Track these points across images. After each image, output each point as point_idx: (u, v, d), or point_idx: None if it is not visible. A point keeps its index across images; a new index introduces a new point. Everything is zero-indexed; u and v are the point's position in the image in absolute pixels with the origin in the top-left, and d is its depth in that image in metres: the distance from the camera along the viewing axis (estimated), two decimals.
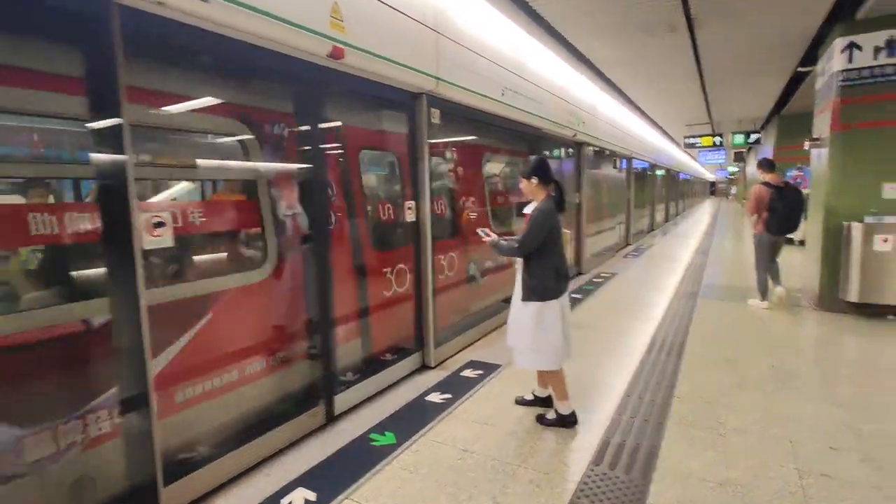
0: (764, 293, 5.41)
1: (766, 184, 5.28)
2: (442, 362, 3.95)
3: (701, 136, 12.35)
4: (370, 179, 3.77)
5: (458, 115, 4.17)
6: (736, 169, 34.34)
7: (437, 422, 2.91)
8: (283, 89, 2.81)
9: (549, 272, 2.74)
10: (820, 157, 5.51)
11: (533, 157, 2.84)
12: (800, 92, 7.84)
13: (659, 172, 17.14)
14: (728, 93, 8.69)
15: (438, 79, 3.53)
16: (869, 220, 4.78)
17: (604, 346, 4.23)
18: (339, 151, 3.29)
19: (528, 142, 5.88)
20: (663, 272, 7.87)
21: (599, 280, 7.31)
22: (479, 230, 3.02)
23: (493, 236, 2.94)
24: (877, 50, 4.74)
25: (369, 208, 3.59)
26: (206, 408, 2.36)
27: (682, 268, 8.15)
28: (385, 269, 3.57)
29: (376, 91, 3.27)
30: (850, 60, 4.86)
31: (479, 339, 4.53)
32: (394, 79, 3.22)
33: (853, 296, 4.82)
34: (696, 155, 23.21)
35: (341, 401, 3.03)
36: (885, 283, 4.67)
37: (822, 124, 5.49)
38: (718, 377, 3.47)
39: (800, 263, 6.82)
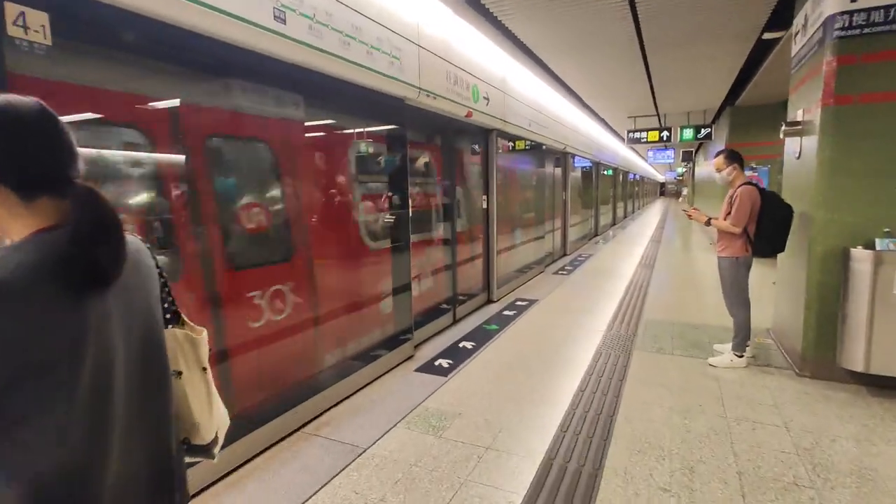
0: (743, 344, 3.68)
1: (751, 184, 3.55)
2: None
3: (647, 129, 10.81)
4: None
5: (146, 41, 2.11)
6: (683, 170, 34.00)
7: None
8: None
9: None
10: (800, 149, 3.82)
11: None
12: (764, 68, 6.26)
13: (605, 171, 15.70)
14: (676, 72, 7.05)
15: None
16: (884, 245, 3.09)
17: (448, 488, 2.29)
18: None
19: (391, 118, 3.88)
20: (597, 298, 6.11)
21: (511, 313, 5.44)
22: None
23: None
24: None
25: None
26: None
27: (622, 289, 6.43)
28: None
29: None
30: None
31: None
32: None
33: (857, 362, 3.12)
34: (645, 154, 22.18)
35: None
36: None
37: (803, 100, 3.79)
38: None
39: (766, 288, 5.20)
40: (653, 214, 24.17)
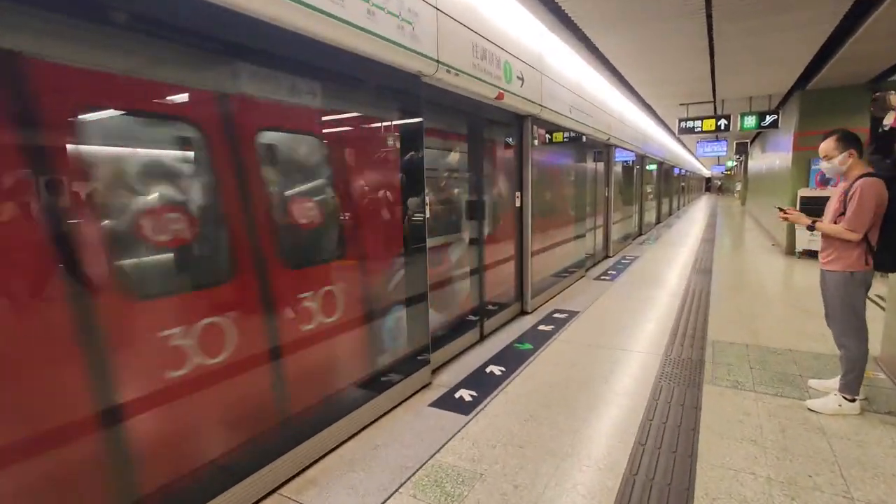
0: (857, 384, 2.83)
1: (874, 174, 2.68)
2: None
3: (701, 118, 9.70)
4: None
5: None
6: (733, 163, 31.74)
7: None
8: None
9: None
10: None
11: None
12: (857, 38, 5.19)
13: (650, 166, 14.54)
14: (746, 49, 6.05)
15: None
16: None
17: None
18: None
19: (401, 96, 3.22)
20: (648, 310, 5.26)
21: (547, 328, 4.69)
22: None
23: None
24: None
25: None
26: None
27: (677, 300, 5.55)
28: None
29: None
30: None
31: None
32: None
33: None
34: (692, 147, 20.61)
35: None
36: None
37: None
38: None
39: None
40: (699, 211, 22.60)
